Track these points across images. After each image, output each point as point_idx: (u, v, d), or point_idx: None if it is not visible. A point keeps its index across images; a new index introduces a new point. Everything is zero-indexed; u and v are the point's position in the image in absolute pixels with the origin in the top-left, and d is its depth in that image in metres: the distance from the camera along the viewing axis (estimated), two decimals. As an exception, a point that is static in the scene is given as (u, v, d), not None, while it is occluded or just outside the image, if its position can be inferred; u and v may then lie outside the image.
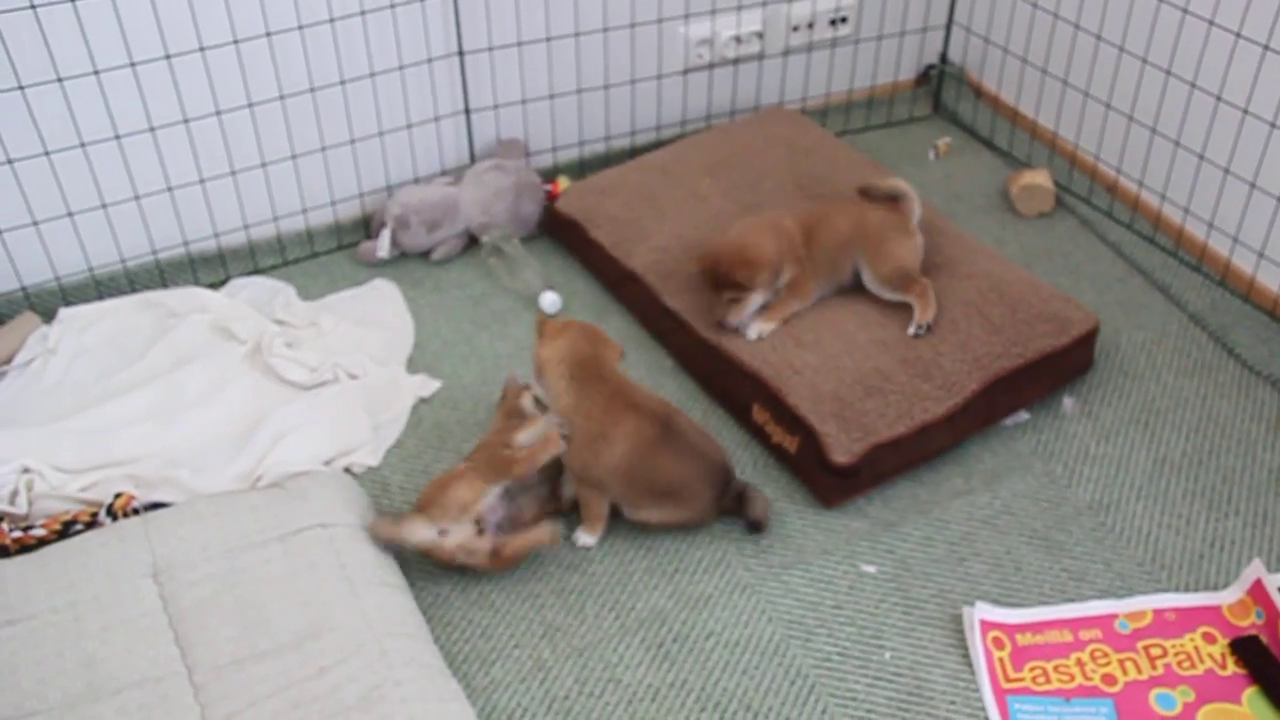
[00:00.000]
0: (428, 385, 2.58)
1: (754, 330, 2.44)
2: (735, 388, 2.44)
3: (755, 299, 2.45)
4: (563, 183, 3.03)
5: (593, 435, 2.14)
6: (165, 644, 1.87)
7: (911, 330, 2.42)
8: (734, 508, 2.23)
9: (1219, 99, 2.73)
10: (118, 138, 2.59)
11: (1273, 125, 2.62)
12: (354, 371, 2.55)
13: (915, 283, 2.48)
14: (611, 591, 2.14)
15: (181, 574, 1.97)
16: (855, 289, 2.55)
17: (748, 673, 2.01)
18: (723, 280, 2.42)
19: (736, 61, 3.23)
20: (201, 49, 2.57)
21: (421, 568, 2.18)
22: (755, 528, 2.23)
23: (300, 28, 2.65)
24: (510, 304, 2.79)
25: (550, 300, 2.74)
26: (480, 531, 2.10)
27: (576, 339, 2.20)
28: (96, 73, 2.50)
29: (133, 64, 2.52)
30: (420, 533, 2.09)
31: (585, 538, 2.23)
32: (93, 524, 2.13)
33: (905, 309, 2.47)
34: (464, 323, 2.74)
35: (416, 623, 2.00)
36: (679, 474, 2.16)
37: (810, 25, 3.26)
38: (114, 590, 1.94)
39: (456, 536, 2.09)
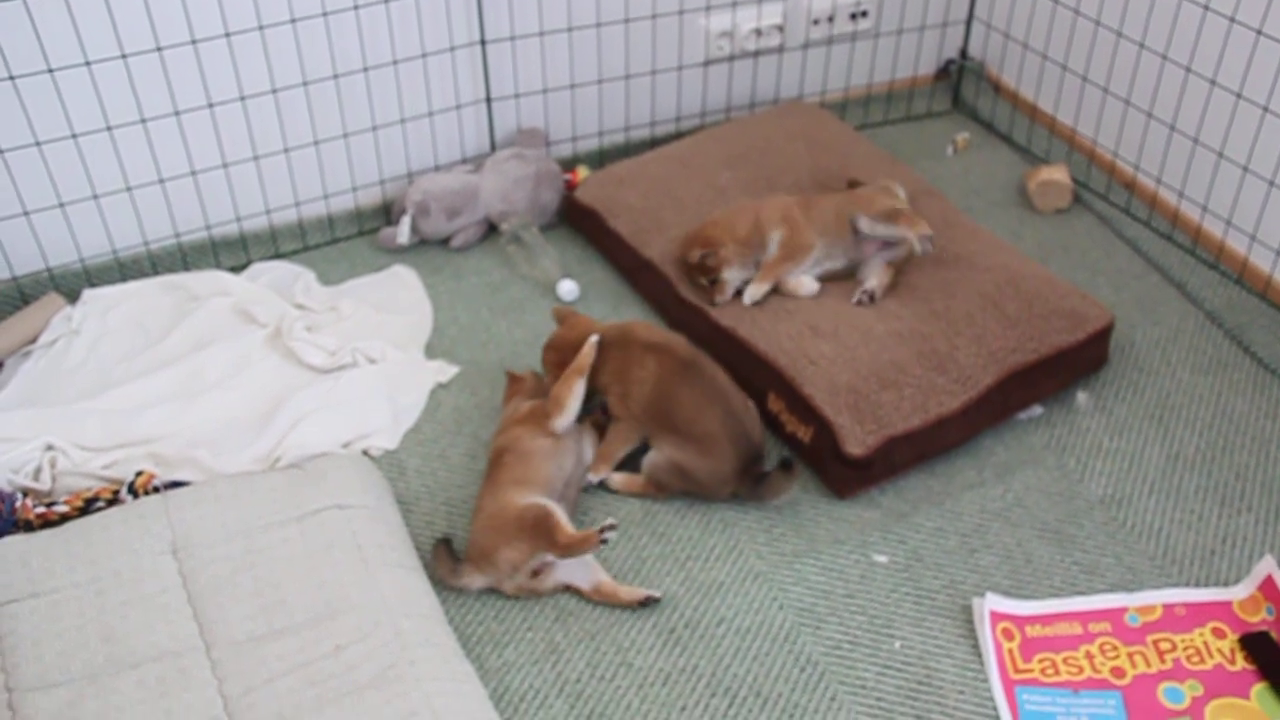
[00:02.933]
0: (446, 370, 2.60)
1: (748, 295, 2.52)
2: (751, 376, 2.45)
3: (731, 275, 2.54)
4: (582, 172, 3.05)
5: (623, 390, 2.28)
6: (184, 620, 1.89)
7: (917, 247, 2.50)
8: (757, 491, 2.26)
9: (1239, 96, 2.73)
10: (143, 121, 2.62)
11: (1292, 124, 2.62)
12: (373, 356, 2.57)
13: (903, 213, 2.55)
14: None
15: (200, 551, 2.00)
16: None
17: (758, 659, 2.03)
18: (691, 266, 2.55)
19: (757, 54, 3.24)
20: (227, 34, 2.60)
21: (437, 550, 2.20)
22: (784, 465, 2.26)
23: (325, 14, 2.67)
24: (528, 291, 2.81)
25: (568, 288, 2.76)
26: (535, 574, 2.11)
27: (606, 325, 2.36)
28: (124, 56, 2.53)
29: (159, 48, 2.55)
30: (478, 582, 2.12)
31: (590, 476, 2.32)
32: (114, 501, 2.16)
33: (920, 300, 2.48)
34: (482, 309, 2.76)
35: (431, 604, 2.02)
36: (698, 412, 2.22)
37: (830, 19, 3.27)
38: (134, 566, 1.97)
39: (513, 586, 2.11)
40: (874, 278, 2.53)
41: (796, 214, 2.57)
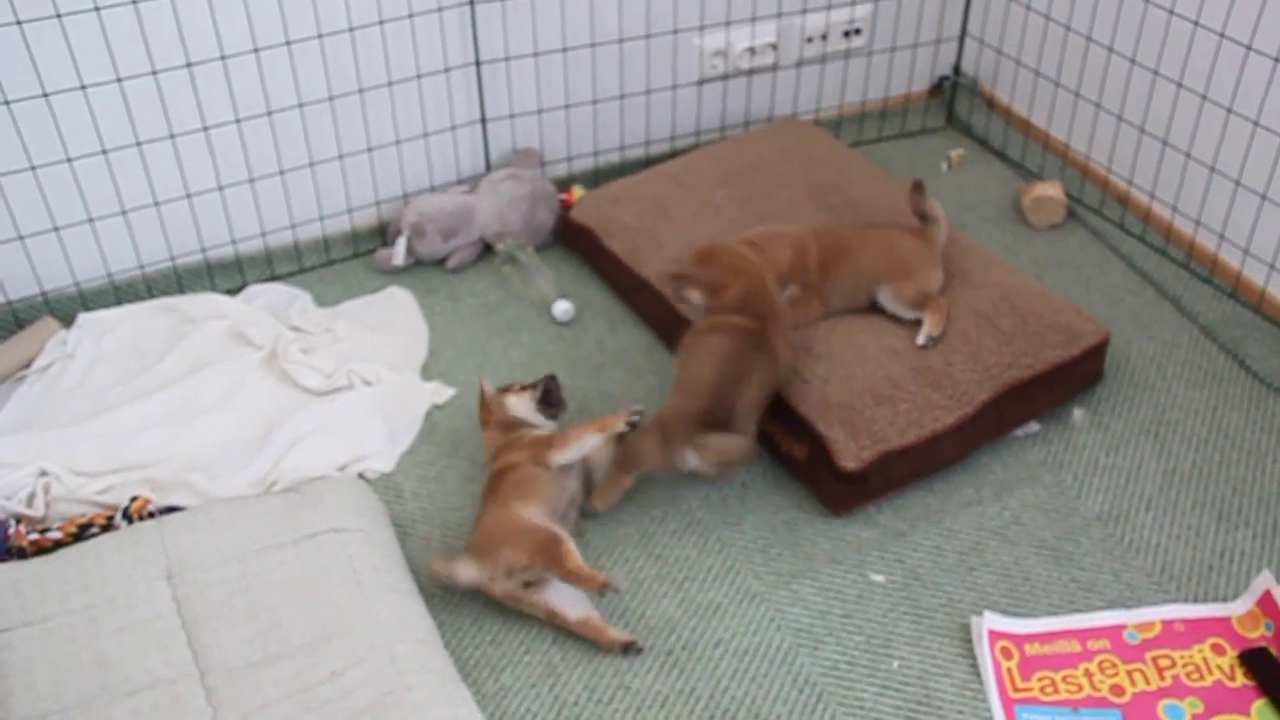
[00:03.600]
0: (442, 392, 2.59)
1: None
2: (746, 397, 2.45)
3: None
4: (577, 192, 3.06)
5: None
6: (178, 646, 1.89)
7: (920, 340, 2.43)
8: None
9: (1230, 111, 2.73)
10: (138, 144, 2.62)
11: (1285, 138, 2.63)
12: (369, 378, 2.57)
13: (931, 300, 2.49)
14: (621, 599, 2.15)
15: (195, 577, 2.00)
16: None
17: (756, 681, 2.02)
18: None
19: (751, 72, 3.25)
20: (222, 57, 2.60)
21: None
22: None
23: (320, 36, 2.68)
24: (524, 312, 2.81)
25: (563, 308, 2.76)
26: (527, 585, 2.08)
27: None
28: (119, 80, 2.53)
29: (154, 72, 2.55)
30: (468, 573, 2.08)
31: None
32: (108, 527, 2.15)
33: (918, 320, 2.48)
34: (478, 330, 2.76)
35: (427, 628, 2.01)
36: (707, 360, 2.23)
37: (824, 36, 3.28)
38: (128, 592, 1.96)
39: (502, 589, 2.09)
40: (934, 324, 2.46)
41: (814, 277, 2.48)
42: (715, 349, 2.22)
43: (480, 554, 2.08)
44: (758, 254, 2.43)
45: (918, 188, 2.62)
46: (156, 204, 2.71)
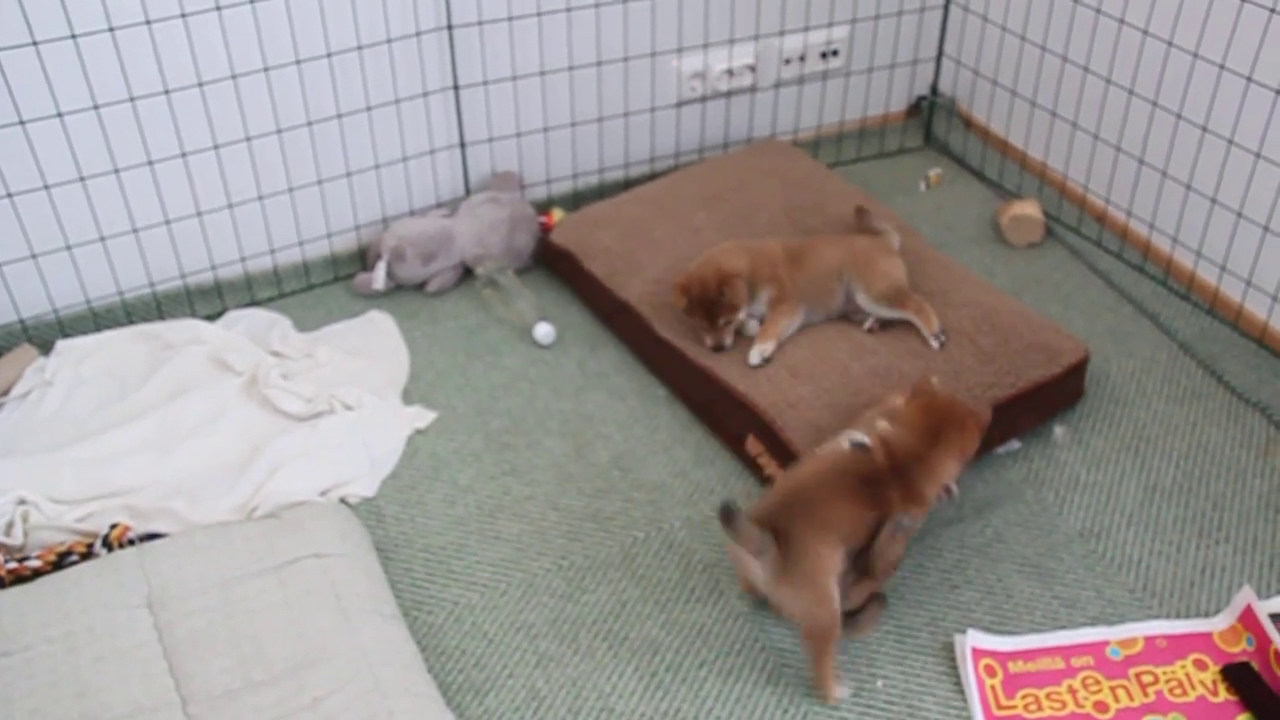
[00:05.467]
0: (423, 416, 2.59)
1: (756, 353, 2.46)
2: (729, 418, 2.45)
3: (744, 316, 2.51)
4: (557, 215, 3.06)
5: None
6: (160, 674, 1.87)
7: (934, 344, 2.47)
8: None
9: (1205, 129, 2.76)
10: (116, 171, 2.62)
11: (1258, 155, 2.65)
12: (350, 403, 2.56)
13: (909, 298, 2.52)
14: (605, 621, 2.15)
15: (176, 604, 1.98)
16: (843, 318, 2.57)
17: (741, 701, 2.02)
18: (716, 304, 2.47)
19: (729, 94, 3.26)
20: (200, 84, 2.60)
21: (414, 597, 2.19)
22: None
23: (298, 62, 2.68)
24: (504, 335, 2.81)
25: (544, 331, 2.76)
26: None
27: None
28: (96, 108, 2.53)
29: (132, 99, 2.55)
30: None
31: None
32: (88, 555, 2.14)
33: (896, 338, 2.49)
34: (459, 353, 2.76)
35: (411, 652, 2.00)
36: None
37: (802, 58, 3.29)
38: (108, 621, 1.94)
39: (772, 578, 1.97)
40: (928, 321, 2.51)
41: (783, 273, 2.55)
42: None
43: (783, 576, 1.96)
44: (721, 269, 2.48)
45: (860, 213, 2.75)
46: (135, 230, 2.71)
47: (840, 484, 2.02)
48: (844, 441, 2.08)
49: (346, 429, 2.51)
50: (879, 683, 2.05)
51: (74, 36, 2.44)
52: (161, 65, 2.55)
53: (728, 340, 2.51)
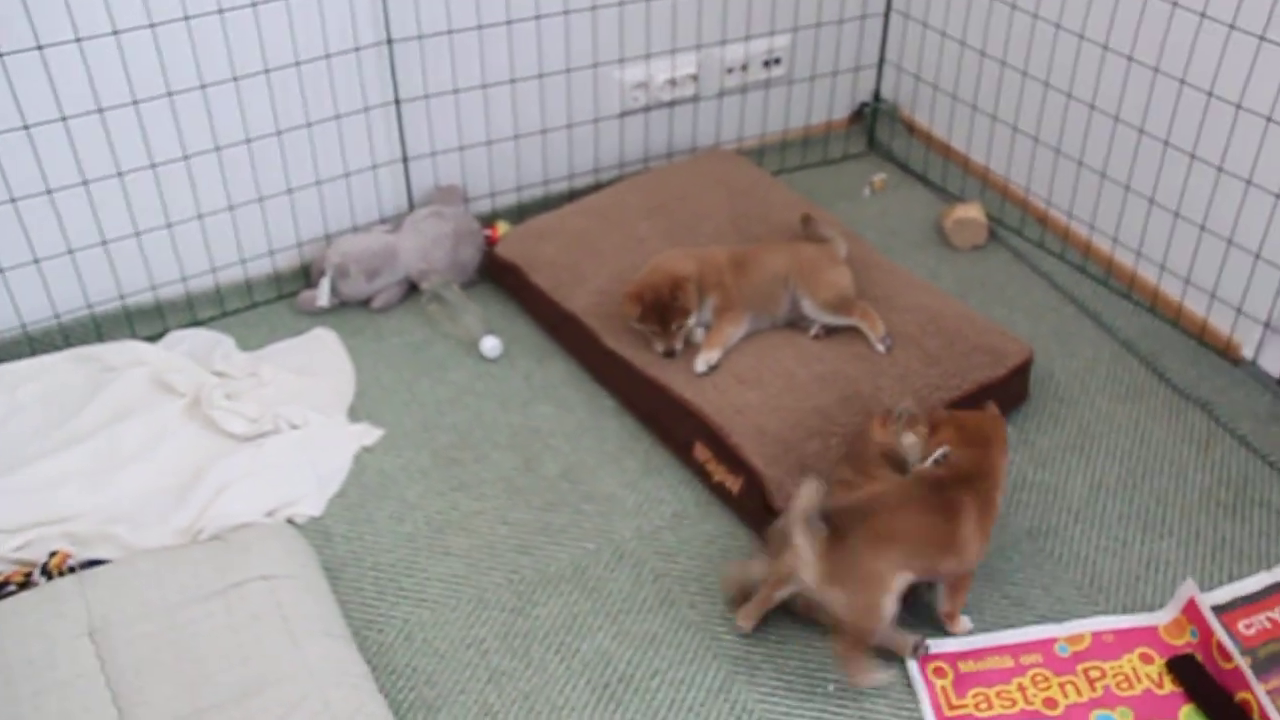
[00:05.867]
0: (370, 433, 2.57)
1: (702, 361, 2.47)
2: (677, 426, 2.45)
3: (693, 322, 2.52)
4: (502, 228, 3.05)
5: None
6: (103, 705, 1.84)
7: (880, 348, 2.49)
8: None
9: (1141, 131, 2.79)
10: (49, 192, 2.58)
11: (1192, 156, 2.68)
12: (295, 421, 2.54)
13: (855, 304, 2.53)
14: (556, 634, 2.14)
15: (119, 632, 1.95)
16: (789, 326, 2.58)
17: (694, 710, 2.01)
18: (668, 308, 2.47)
19: (672, 104, 3.27)
20: (135, 102, 2.57)
21: (364, 616, 2.17)
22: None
23: (235, 79, 2.66)
24: (451, 350, 2.80)
25: (491, 345, 2.75)
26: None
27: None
28: (26, 127, 2.49)
29: (64, 118, 2.52)
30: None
31: None
32: (26, 584, 2.10)
33: (842, 343, 2.50)
34: (405, 370, 2.74)
35: (361, 672, 1.98)
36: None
37: (744, 67, 3.31)
38: (48, 652, 1.91)
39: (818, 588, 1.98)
40: (874, 326, 2.53)
41: (728, 280, 2.56)
42: None
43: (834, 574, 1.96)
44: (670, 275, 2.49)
45: (806, 221, 2.78)
46: (70, 252, 2.67)
47: (910, 492, 2.04)
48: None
49: (292, 448, 2.48)
50: (830, 686, 2.05)
51: (1, 56, 2.41)
52: (94, 83, 2.51)
53: (679, 346, 2.51)
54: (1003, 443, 2.14)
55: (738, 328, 2.52)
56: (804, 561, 1.95)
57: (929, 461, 2.11)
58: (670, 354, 2.51)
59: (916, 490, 2.05)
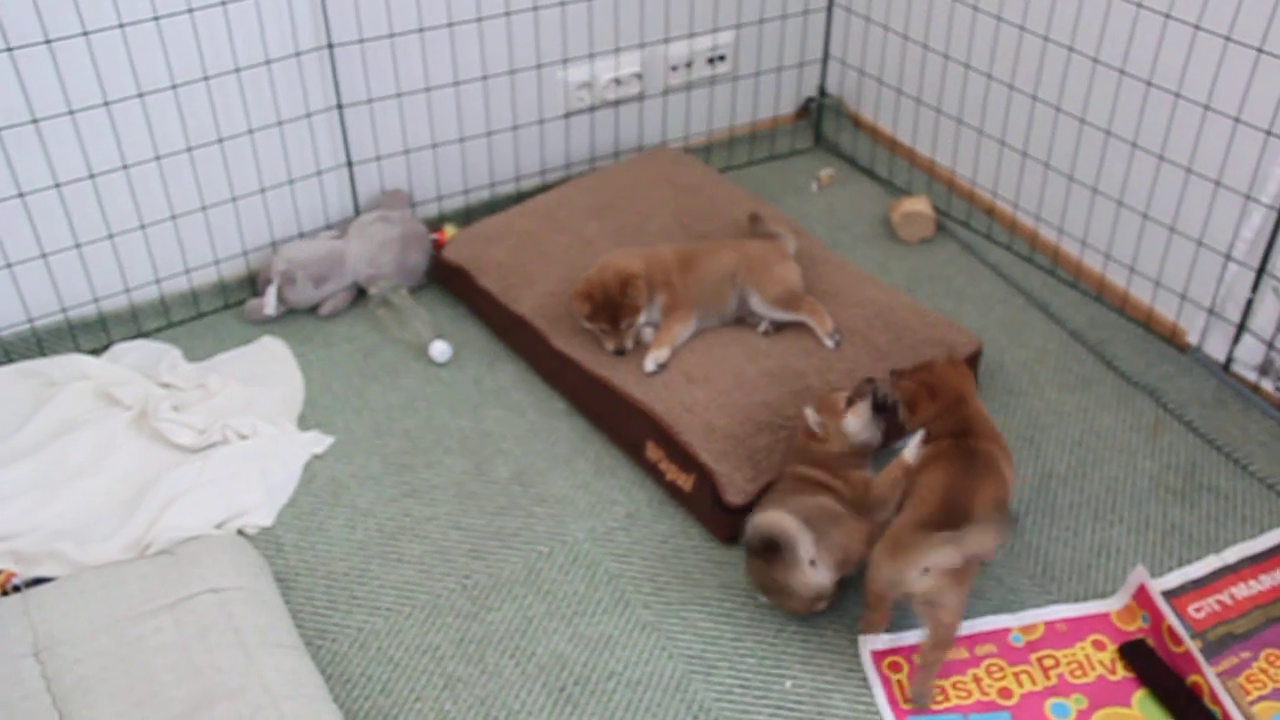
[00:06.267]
0: (320, 441, 2.55)
1: (651, 360, 2.47)
2: (628, 426, 2.45)
3: (643, 320, 2.52)
4: (449, 231, 3.03)
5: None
6: (50, 725, 1.82)
7: (829, 344, 2.50)
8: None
9: (1083, 121, 2.82)
10: (-13, 206, 2.55)
11: (1134, 145, 2.71)
12: (244, 431, 2.51)
13: (803, 300, 2.54)
14: (511, 638, 2.13)
15: (66, 650, 1.92)
16: (738, 323, 2.59)
17: (650, 710, 2.01)
18: (619, 306, 2.48)
19: (617, 103, 3.26)
20: (71, 112, 2.53)
21: (317, 626, 2.15)
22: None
23: (174, 87, 2.62)
24: (400, 355, 2.78)
25: (440, 349, 2.73)
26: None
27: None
28: (-38, 141, 2.46)
29: (-1, 131, 2.49)
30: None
31: None
32: (-29, 604, 2.07)
33: (790, 339, 2.51)
34: (354, 376, 2.72)
35: (315, 683, 1.96)
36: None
37: (689, 64, 3.31)
38: (-8, 672, 1.88)
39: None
40: (822, 322, 2.54)
41: (675, 278, 2.56)
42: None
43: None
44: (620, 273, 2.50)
45: (754, 218, 2.80)
46: (9, 265, 2.62)
47: (969, 466, 2.08)
48: (907, 456, 2.18)
49: (241, 458, 2.46)
50: (788, 683, 2.05)
51: (-65, 69, 2.37)
52: (27, 93, 2.47)
53: (629, 344, 2.51)
54: (971, 384, 2.24)
55: (686, 326, 2.52)
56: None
57: (913, 447, 2.16)
58: (620, 352, 2.50)
59: (965, 461, 2.08)
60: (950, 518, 1.96)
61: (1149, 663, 2.04)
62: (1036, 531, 2.33)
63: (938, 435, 2.16)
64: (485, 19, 2.93)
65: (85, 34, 2.47)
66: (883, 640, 2.10)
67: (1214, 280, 2.64)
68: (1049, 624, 2.14)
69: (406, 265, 2.92)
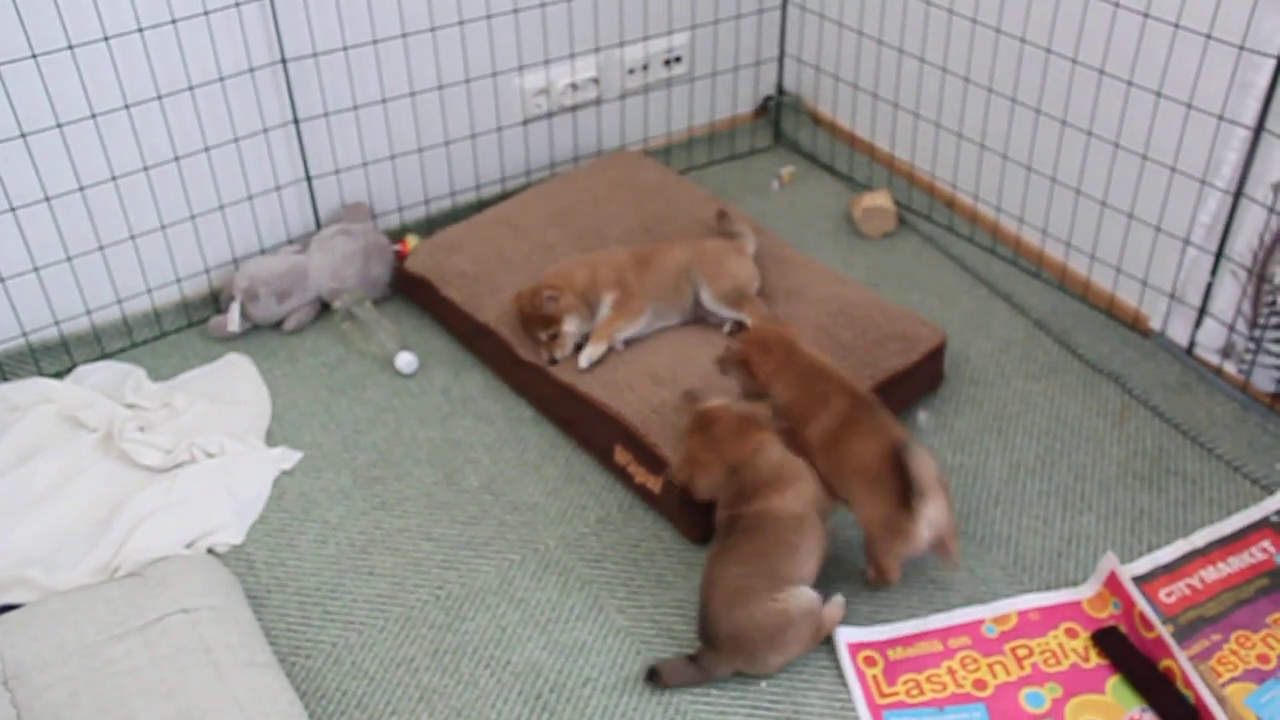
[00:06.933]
0: (289, 457, 2.53)
1: (584, 357, 2.50)
2: (595, 431, 2.44)
3: (570, 328, 2.53)
4: (411, 241, 3.02)
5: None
6: (21, 753, 1.80)
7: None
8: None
9: (1039, 111, 2.83)
10: (-58, 232, 2.52)
11: (1089, 134, 2.73)
12: (211, 450, 2.50)
13: (748, 300, 2.57)
14: (486, 648, 2.12)
15: (35, 677, 1.90)
16: (701, 323, 2.59)
17: (627, 715, 2.01)
18: (532, 318, 2.51)
19: (575, 109, 3.26)
20: (23, 135, 2.51)
21: (291, 643, 2.14)
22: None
23: (127, 107, 2.60)
24: (366, 368, 2.77)
25: (406, 360, 2.72)
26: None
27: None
28: (-87, 167, 2.43)
29: (-48, 156, 2.46)
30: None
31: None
32: (-63, 634, 2.04)
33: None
34: (321, 390, 2.71)
35: (289, 700, 1.95)
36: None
37: (645, 67, 3.31)
38: (-40, 703, 1.87)
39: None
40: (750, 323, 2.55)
41: (629, 276, 2.57)
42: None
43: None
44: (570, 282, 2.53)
45: (721, 215, 2.81)
46: (-31, 291, 2.61)
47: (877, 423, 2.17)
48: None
49: (209, 477, 2.44)
50: (763, 683, 2.05)
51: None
52: (-18, 118, 2.46)
53: (559, 353, 2.53)
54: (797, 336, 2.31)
55: (632, 322, 2.53)
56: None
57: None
58: (552, 361, 2.52)
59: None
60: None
61: (1122, 649, 2.06)
62: (1007, 521, 2.34)
63: (808, 398, 2.18)
64: (439, 29, 2.92)
65: (34, 56, 2.45)
66: (858, 633, 2.10)
67: (1174, 265, 2.66)
68: (1021, 614, 2.15)
69: (369, 277, 2.91)
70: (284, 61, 2.75)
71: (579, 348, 2.53)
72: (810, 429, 2.16)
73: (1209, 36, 2.41)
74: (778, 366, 2.21)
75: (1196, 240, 2.59)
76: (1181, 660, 1.99)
